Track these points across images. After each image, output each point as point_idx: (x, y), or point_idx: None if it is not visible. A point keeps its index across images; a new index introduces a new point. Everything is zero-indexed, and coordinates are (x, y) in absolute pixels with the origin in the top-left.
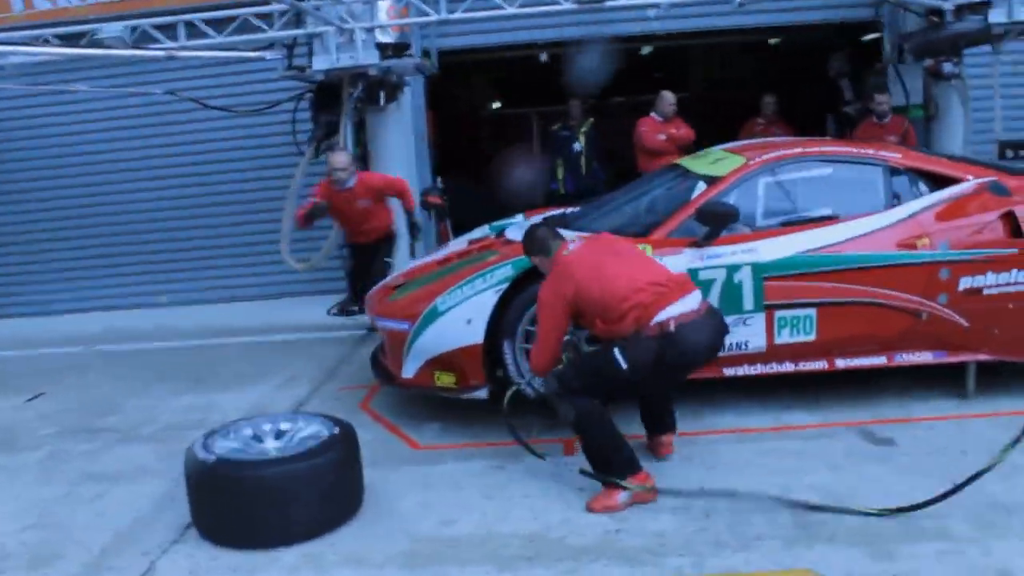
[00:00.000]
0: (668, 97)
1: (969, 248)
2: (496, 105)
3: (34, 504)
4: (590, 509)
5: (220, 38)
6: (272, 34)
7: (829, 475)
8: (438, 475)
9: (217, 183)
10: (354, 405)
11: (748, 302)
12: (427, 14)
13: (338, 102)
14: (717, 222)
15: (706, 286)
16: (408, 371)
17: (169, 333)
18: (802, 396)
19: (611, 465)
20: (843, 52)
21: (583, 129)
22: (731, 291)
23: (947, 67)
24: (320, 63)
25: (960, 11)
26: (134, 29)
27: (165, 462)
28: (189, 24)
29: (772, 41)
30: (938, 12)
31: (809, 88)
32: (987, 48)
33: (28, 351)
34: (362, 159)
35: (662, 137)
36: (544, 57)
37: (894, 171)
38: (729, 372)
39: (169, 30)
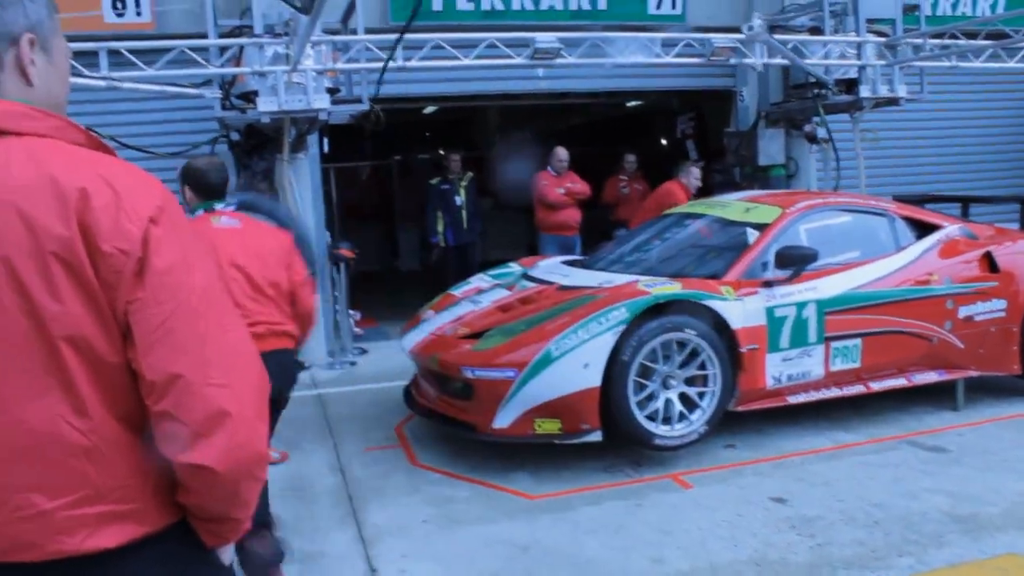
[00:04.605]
0: (560, 153)
1: (965, 282)
2: None
3: None
4: None
5: (151, 71)
6: (213, 70)
7: (931, 480)
8: (587, 519)
9: None
10: (408, 466)
11: (812, 335)
12: (380, 60)
13: (266, 148)
14: (798, 263)
15: (780, 322)
16: (503, 421)
17: None
18: (830, 419)
19: None
20: (688, 116)
21: (463, 183)
22: (800, 325)
23: (820, 132)
24: (266, 104)
25: (838, 86)
26: None
27: None
28: (114, 52)
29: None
30: (823, 85)
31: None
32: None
33: None
34: None
35: (561, 191)
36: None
37: (892, 218)
38: (792, 399)
39: (88, 57)
